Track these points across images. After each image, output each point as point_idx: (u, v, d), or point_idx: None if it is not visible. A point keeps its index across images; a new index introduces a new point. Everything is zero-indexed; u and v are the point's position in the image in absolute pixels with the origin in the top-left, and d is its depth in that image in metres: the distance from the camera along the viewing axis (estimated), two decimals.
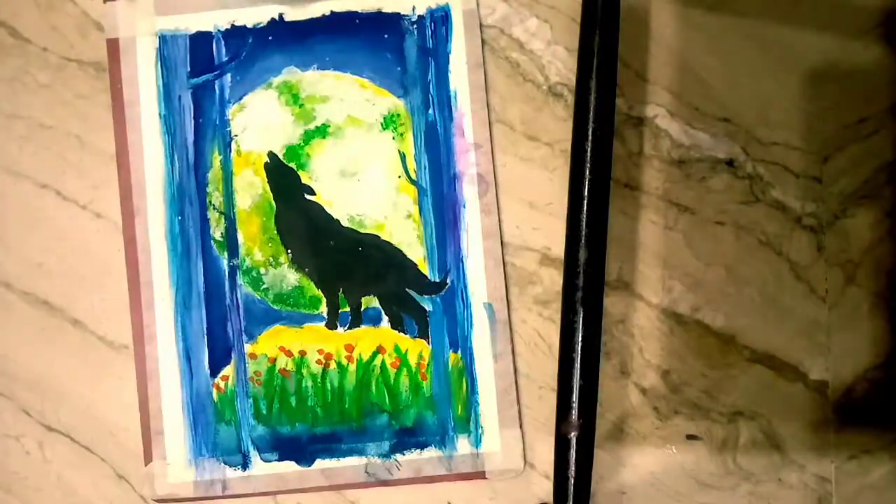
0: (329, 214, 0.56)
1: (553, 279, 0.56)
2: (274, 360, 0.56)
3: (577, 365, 0.49)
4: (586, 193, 0.49)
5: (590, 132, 0.49)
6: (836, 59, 0.57)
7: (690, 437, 0.56)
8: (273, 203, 0.56)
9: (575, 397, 0.48)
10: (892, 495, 0.56)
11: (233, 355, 0.56)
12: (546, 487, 0.55)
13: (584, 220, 0.49)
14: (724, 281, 0.56)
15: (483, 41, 0.57)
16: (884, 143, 0.57)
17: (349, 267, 0.56)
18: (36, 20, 0.57)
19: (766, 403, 0.56)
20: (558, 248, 0.55)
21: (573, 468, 0.48)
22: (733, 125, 0.57)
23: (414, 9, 0.56)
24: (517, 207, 0.56)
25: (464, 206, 0.56)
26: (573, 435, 0.48)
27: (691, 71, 0.57)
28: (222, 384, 0.56)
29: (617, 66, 0.50)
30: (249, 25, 0.57)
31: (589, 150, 0.49)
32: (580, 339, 0.49)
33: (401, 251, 0.56)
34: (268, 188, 0.56)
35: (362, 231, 0.56)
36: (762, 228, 0.56)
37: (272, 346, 0.56)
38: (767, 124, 0.57)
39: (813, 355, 0.56)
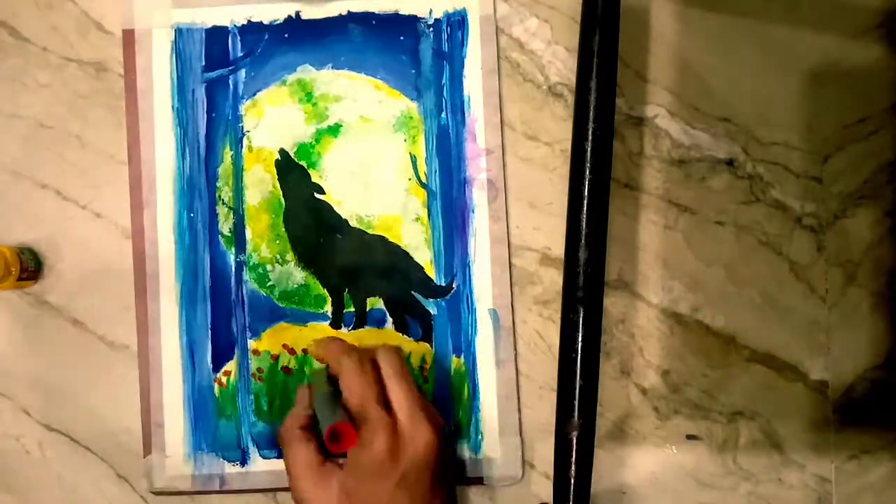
0: (338, 214, 0.56)
1: (553, 279, 0.56)
2: (276, 358, 0.56)
3: (578, 365, 0.48)
4: (586, 193, 0.49)
5: (590, 132, 0.49)
6: (836, 59, 0.57)
7: (690, 436, 0.56)
8: (282, 200, 0.56)
9: (575, 397, 0.48)
10: (893, 495, 0.56)
11: (236, 351, 0.56)
12: (546, 487, 0.55)
13: (584, 219, 0.49)
14: (724, 281, 0.56)
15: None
16: (884, 143, 0.57)
17: (356, 267, 0.56)
18: (36, 20, 0.57)
19: (767, 403, 0.56)
20: (558, 248, 0.55)
21: (573, 468, 0.48)
22: (733, 125, 0.57)
23: (431, 12, 0.56)
24: (517, 207, 0.56)
25: (473, 212, 0.56)
26: (573, 435, 0.48)
27: (691, 71, 0.57)
28: (224, 379, 0.56)
29: (617, 66, 0.50)
30: (266, 22, 0.57)
31: (589, 149, 0.49)
32: (580, 338, 0.49)
33: (408, 254, 0.56)
34: (277, 185, 0.56)
35: (370, 232, 0.56)
36: (762, 228, 0.56)
37: (275, 343, 0.56)
38: (767, 124, 0.57)
39: (813, 355, 0.56)
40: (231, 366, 0.56)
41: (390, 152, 0.56)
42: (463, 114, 0.56)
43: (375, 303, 0.56)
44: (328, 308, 0.56)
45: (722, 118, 0.57)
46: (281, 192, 0.56)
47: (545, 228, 0.56)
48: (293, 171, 0.56)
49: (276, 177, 0.56)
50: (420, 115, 0.56)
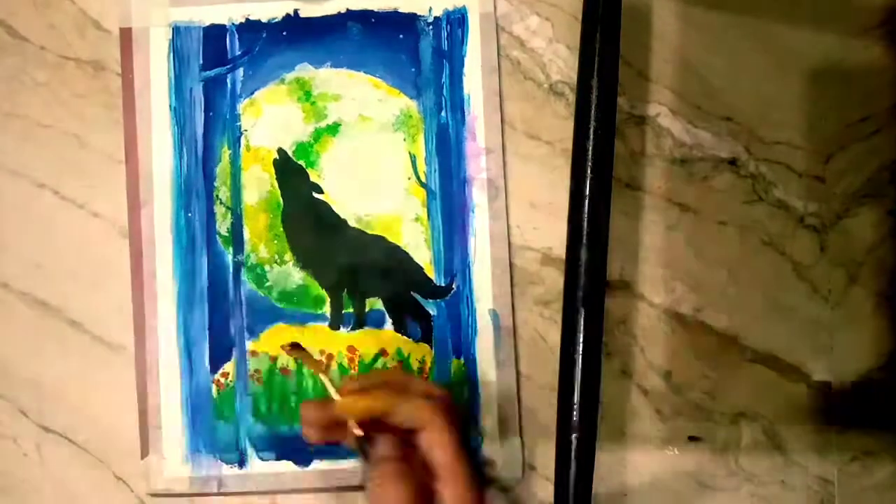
0: (336, 214, 0.56)
1: (554, 279, 0.56)
2: (275, 359, 0.55)
3: (579, 366, 0.48)
4: (588, 193, 0.49)
5: (591, 131, 0.49)
6: (838, 58, 0.57)
7: (692, 438, 0.56)
8: (280, 200, 0.56)
9: (576, 398, 0.48)
10: (895, 497, 0.56)
11: (234, 352, 0.55)
12: (547, 490, 0.55)
13: (586, 219, 0.49)
14: (726, 281, 0.56)
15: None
16: (886, 142, 0.57)
17: (355, 268, 0.56)
18: (33, 18, 0.57)
19: (769, 404, 0.56)
20: (559, 248, 0.55)
21: (574, 470, 0.48)
22: (736, 124, 0.56)
23: (430, 10, 0.56)
24: (518, 207, 0.56)
25: (473, 211, 0.55)
26: (574, 436, 0.48)
27: (693, 70, 0.56)
28: (222, 381, 0.55)
29: (618, 65, 0.50)
30: (264, 20, 0.56)
31: (590, 149, 0.49)
32: (581, 339, 0.49)
33: (407, 254, 0.56)
34: (276, 185, 0.56)
35: (369, 232, 0.56)
36: (765, 228, 0.56)
37: (274, 344, 0.55)
38: (770, 123, 0.56)
39: (816, 356, 0.56)
40: (229, 367, 0.55)
41: (390, 151, 0.56)
42: (463, 112, 0.56)
43: (374, 303, 0.56)
44: (327, 308, 0.56)
45: (724, 117, 0.56)
46: (279, 192, 0.56)
47: (546, 228, 0.56)
48: (292, 171, 0.56)
49: (275, 176, 0.56)
50: (420, 113, 0.56)
